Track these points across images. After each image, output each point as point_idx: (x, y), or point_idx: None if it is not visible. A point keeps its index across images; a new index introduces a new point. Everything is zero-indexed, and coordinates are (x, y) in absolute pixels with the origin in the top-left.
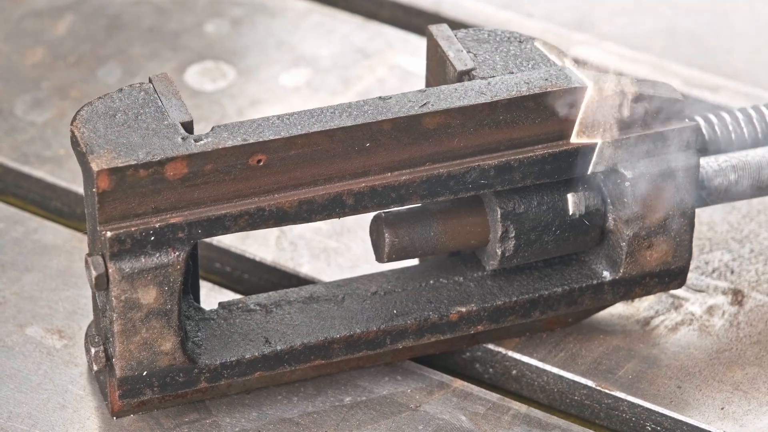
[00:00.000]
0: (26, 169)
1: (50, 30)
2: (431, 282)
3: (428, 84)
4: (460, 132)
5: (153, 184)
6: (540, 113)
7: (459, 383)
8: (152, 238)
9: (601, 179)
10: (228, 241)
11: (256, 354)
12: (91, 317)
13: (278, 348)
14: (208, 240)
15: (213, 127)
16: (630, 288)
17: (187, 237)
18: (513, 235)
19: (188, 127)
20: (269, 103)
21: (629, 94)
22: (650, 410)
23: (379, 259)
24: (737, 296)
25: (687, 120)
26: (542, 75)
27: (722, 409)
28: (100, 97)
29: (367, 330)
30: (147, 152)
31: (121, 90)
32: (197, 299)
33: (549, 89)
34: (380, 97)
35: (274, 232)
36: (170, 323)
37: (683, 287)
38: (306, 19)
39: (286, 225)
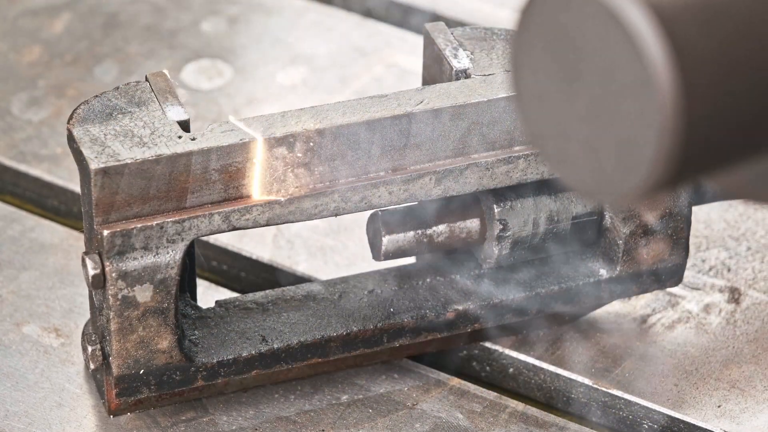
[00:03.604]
0: (23, 167)
1: (47, 28)
2: (428, 280)
3: (425, 82)
4: (457, 129)
5: (150, 182)
6: None
7: (456, 381)
8: (149, 236)
9: None
10: (225, 239)
11: (253, 352)
12: (88, 315)
13: (275, 346)
14: (204, 238)
15: (210, 126)
16: (627, 286)
17: (184, 235)
18: (509, 233)
19: (185, 125)
20: (266, 102)
21: None
22: (647, 408)
23: (376, 257)
24: (734, 294)
25: None
26: None
27: (719, 407)
28: (96, 96)
29: (364, 328)
30: (144, 151)
31: (117, 88)
32: (194, 297)
33: None
34: (377, 96)
35: (271, 230)
36: (167, 321)
37: (680, 285)
38: (303, 17)
39: (283, 224)
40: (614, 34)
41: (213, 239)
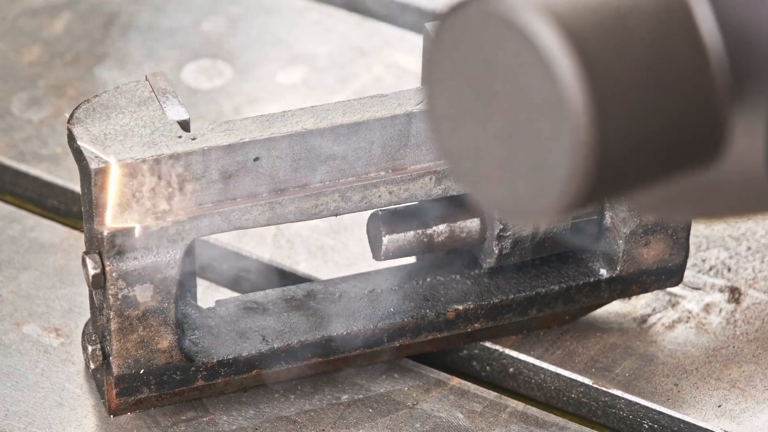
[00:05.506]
0: (23, 167)
1: (47, 28)
2: (428, 280)
3: None
4: None
5: (150, 182)
6: None
7: (456, 381)
8: (149, 236)
9: None
10: (225, 239)
11: (253, 352)
12: (88, 315)
13: (275, 346)
14: (205, 238)
15: (210, 125)
16: (627, 286)
17: (184, 235)
18: (510, 232)
19: (185, 125)
20: (266, 102)
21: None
22: (647, 408)
23: (376, 257)
24: (734, 294)
25: None
26: None
27: (719, 406)
28: (96, 95)
29: (364, 328)
30: (144, 150)
31: (117, 88)
32: (194, 297)
33: None
34: (377, 95)
35: (271, 230)
36: (167, 321)
37: (680, 285)
38: (303, 17)
39: (284, 223)
40: (527, 55)
41: (213, 239)
